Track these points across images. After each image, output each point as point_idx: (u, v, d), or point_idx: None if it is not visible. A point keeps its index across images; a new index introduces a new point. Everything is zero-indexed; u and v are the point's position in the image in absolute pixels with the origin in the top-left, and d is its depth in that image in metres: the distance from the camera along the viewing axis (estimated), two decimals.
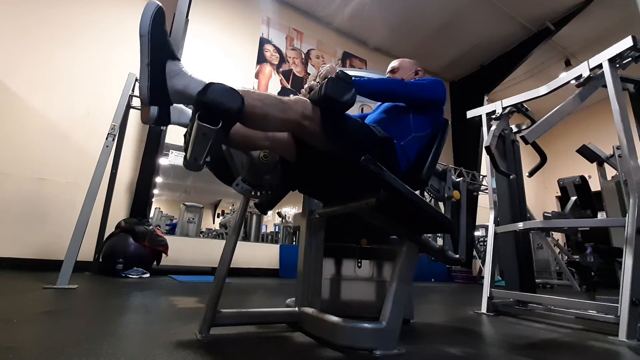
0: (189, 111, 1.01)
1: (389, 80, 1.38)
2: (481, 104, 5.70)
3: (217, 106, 0.79)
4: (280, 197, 1.31)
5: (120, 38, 4.24)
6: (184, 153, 0.97)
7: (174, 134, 4.12)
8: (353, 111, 1.75)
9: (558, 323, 1.88)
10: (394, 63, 1.56)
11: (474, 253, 5.99)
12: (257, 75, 5.21)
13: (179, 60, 0.89)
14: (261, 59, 5.31)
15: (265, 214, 1.67)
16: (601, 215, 3.14)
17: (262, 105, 0.87)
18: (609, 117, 1.76)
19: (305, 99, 0.96)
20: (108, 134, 2.51)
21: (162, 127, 3.93)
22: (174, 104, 0.92)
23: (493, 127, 2.30)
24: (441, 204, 1.59)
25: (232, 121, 0.85)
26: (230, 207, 8.53)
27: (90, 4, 4.12)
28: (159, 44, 0.85)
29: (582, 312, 1.88)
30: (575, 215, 2.85)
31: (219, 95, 0.80)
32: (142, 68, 0.84)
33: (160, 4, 0.86)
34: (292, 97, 0.96)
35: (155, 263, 3.38)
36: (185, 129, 0.98)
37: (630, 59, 1.81)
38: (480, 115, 2.60)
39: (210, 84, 0.82)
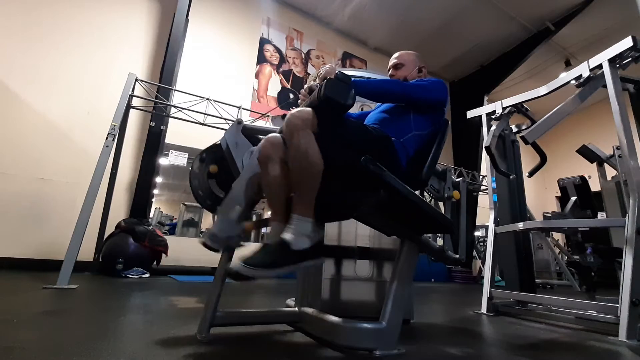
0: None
1: (388, 81, 1.38)
2: (481, 104, 5.70)
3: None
4: None
5: (121, 38, 4.24)
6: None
7: (174, 134, 4.12)
8: (353, 111, 1.75)
9: (558, 323, 1.88)
10: (396, 59, 1.51)
11: (474, 253, 5.99)
12: (257, 75, 5.21)
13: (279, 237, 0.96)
14: (261, 59, 5.31)
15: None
16: (601, 216, 3.14)
17: (312, 193, 0.97)
18: (609, 117, 1.76)
19: (289, 113, 0.99)
20: (108, 134, 2.51)
21: (162, 127, 3.94)
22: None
23: (493, 127, 2.30)
24: (441, 204, 1.59)
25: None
26: None
27: (90, 4, 4.12)
28: (282, 262, 0.93)
29: (582, 312, 1.88)
30: (575, 216, 2.84)
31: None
32: (299, 269, 0.96)
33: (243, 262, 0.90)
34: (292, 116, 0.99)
35: (155, 263, 3.38)
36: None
37: (630, 59, 1.81)
38: (480, 116, 2.59)
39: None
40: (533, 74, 6.80)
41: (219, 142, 1.46)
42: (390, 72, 1.52)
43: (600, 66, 1.86)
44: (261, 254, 0.91)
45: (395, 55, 1.53)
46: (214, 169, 1.45)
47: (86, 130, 3.74)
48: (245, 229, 1.17)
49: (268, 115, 4.02)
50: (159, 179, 6.67)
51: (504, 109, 2.43)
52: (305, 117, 0.96)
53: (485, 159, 2.60)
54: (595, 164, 3.26)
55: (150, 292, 2.22)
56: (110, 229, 3.32)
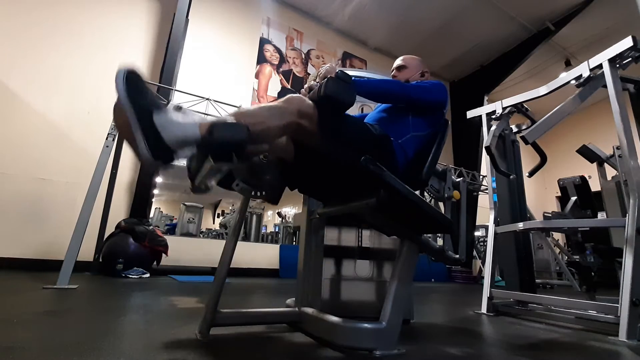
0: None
1: (388, 81, 1.38)
2: (481, 104, 5.70)
3: (227, 144, 0.81)
4: (281, 193, 1.30)
5: (121, 38, 4.24)
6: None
7: None
8: (353, 111, 1.75)
9: (558, 323, 1.88)
10: (400, 60, 1.53)
11: (474, 253, 5.99)
12: (257, 76, 5.21)
13: (165, 107, 0.82)
14: (261, 59, 5.31)
15: (276, 204, 1.63)
16: (601, 215, 3.14)
17: (262, 120, 0.90)
18: (609, 117, 1.76)
19: (299, 95, 0.97)
20: (108, 134, 2.51)
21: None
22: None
23: (493, 127, 2.30)
24: (441, 204, 1.58)
25: (243, 150, 0.85)
26: (230, 207, 8.54)
27: (91, 4, 4.12)
28: (140, 102, 0.80)
29: (582, 312, 1.88)
30: (575, 216, 2.84)
31: (226, 133, 0.81)
32: (135, 130, 0.78)
33: (128, 68, 0.81)
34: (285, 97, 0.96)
35: (155, 263, 3.38)
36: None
37: (630, 59, 1.80)
38: (480, 116, 2.59)
39: (212, 125, 0.81)
40: (533, 74, 6.80)
41: None
42: (393, 72, 1.53)
43: (600, 66, 1.85)
44: (151, 98, 0.81)
45: (401, 57, 1.55)
46: None
47: (86, 130, 3.74)
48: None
49: None
50: (159, 179, 6.67)
51: (504, 109, 2.43)
52: (302, 107, 0.94)
53: (485, 159, 2.60)
54: (595, 164, 3.26)
55: (150, 292, 2.22)
56: (110, 229, 3.32)
